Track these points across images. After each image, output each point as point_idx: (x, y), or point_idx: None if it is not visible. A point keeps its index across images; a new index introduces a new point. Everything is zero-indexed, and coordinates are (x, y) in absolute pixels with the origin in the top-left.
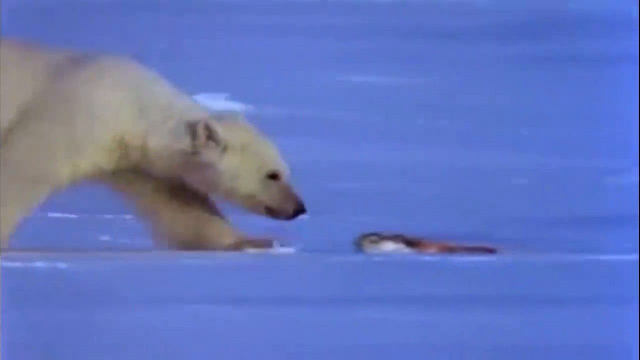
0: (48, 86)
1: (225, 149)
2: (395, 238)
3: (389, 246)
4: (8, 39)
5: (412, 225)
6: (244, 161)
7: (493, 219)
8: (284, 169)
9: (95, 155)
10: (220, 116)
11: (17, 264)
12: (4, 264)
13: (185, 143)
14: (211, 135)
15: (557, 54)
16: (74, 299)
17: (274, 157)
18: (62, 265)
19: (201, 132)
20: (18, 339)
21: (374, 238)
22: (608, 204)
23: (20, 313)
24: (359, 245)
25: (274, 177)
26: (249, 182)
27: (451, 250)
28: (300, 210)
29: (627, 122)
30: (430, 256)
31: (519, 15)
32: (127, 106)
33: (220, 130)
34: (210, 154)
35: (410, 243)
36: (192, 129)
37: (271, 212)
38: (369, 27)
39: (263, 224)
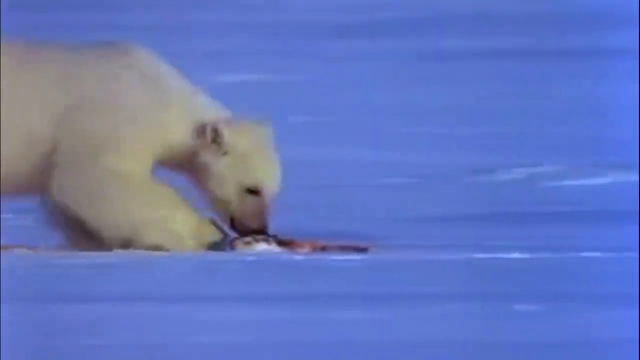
0: (73, 89)
1: (225, 154)
2: (267, 238)
3: (262, 246)
4: (17, 42)
5: (285, 224)
6: (234, 168)
7: (367, 217)
8: (268, 187)
9: (135, 155)
10: (241, 120)
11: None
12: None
13: (194, 140)
14: (216, 138)
15: (424, 48)
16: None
17: (265, 173)
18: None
19: (208, 133)
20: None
21: (247, 239)
22: (482, 202)
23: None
24: (232, 246)
25: (254, 192)
26: (228, 189)
27: (323, 249)
28: (260, 230)
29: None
30: (302, 255)
31: (403, 12)
32: (152, 104)
33: (226, 134)
34: (209, 155)
35: (283, 243)
36: (201, 128)
37: (233, 223)
38: (246, 24)
39: None
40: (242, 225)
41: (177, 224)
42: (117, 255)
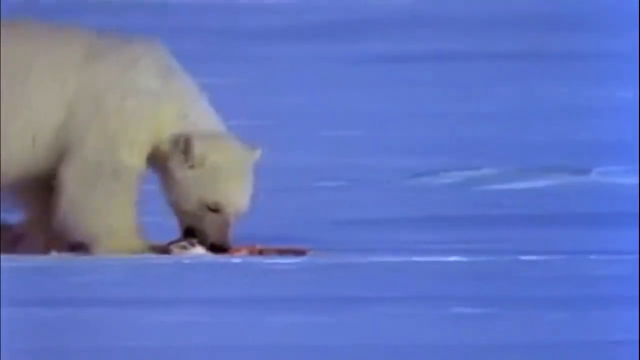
0: (89, 72)
1: (191, 167)
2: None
3: (197, 251)
4: (36, 21)
5: None
6: (198, 183)
7: (305, 221)
8: (229, 208)
9: (139, 146)
10: (224, 139)
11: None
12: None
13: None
14: (186, 150)
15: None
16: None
17: (228, 194)
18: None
19: (180, 144)
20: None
21: (183, 244)
22: (423, 205)
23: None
24: (168, 252)
25: (215, 210)
26: (189, 201)
27: (260, 252)
28: (218, 247)
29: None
30: (239, 258)
31: (341, 14)
32: (160, 94)
33: (197, 149)
34: (176, 164)
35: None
36: (176, 137)
37: (189, 232)
38: (184, 28)
39: None
40: (201, 237)
41: (134, 240)
42: (55, 257)
